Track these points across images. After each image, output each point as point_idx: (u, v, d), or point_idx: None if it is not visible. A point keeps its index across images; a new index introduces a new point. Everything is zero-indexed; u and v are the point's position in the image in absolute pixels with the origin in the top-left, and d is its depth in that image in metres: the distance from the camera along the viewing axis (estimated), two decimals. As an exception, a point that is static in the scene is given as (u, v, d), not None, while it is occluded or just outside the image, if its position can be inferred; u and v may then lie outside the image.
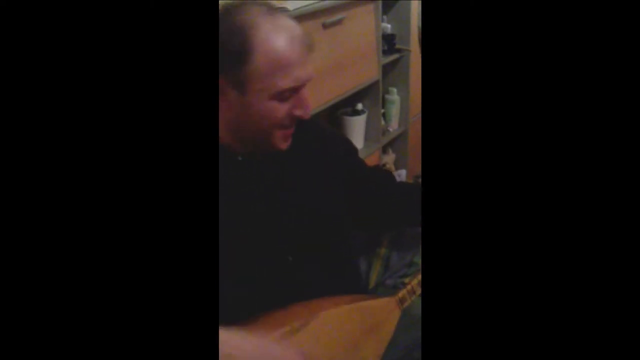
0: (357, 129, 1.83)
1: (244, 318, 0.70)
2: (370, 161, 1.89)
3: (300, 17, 1.49)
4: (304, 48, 0.73)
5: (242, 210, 0.74)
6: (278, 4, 1.47)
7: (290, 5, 1.48)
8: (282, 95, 0.72)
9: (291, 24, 0.73)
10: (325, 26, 1.61)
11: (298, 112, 0.75)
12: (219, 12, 0.70)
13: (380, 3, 1.81)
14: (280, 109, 0.73)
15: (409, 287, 0.74)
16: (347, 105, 1.92)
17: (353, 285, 0.86)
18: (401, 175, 1.60)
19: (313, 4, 1.54)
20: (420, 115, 2.30)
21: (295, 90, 0.73)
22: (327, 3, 1.58)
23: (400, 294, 0.73)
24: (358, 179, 0.92)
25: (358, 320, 0.68)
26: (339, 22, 1.66)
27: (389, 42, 2.02)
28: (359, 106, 1.88)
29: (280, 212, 0.78)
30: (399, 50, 2.07)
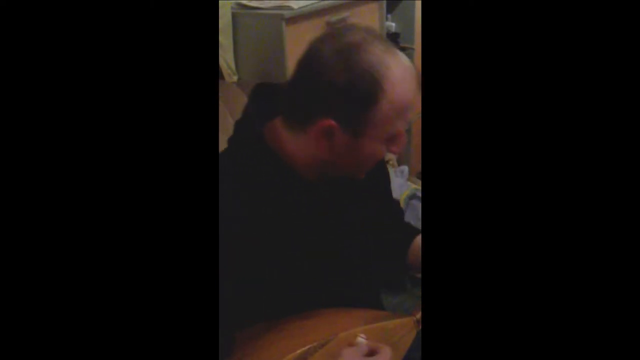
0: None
1: (268, 318, 0.70)
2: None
3: (304, 15, 1.51)
4: (419, 87, 0.66)
5: (295, 226, 0.72)
6: (283, 4, 1.49)
7: (294, 4, 1.49)
8: (393, 138, 0.69)
9: (408, 61, 0.68)
10: (329, 24, 1.62)
11: (395, 150, 0.71)
12: (336, 46, 0.65)
13: (384, 2, 1.83)
14: (384, 150, 0.70)
15: None
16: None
17: (369, 297, 0.87)
18: (403, 171, 1.62)
19: (317, 2, 1.55)
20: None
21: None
22: (331, 2, 1.59)
23: (418, 315, 0.72)
24: (380, 207, 0.90)
25: (376, 341, 0.68)
26: (343, 21, 1.68)
27: (393, 41, 2.04)
28: (363, 103, 1.89)
29: (325, 229, 0.77)
30: (403, 49, 2.08)
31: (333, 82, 0.64)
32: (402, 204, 1.39)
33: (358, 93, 0.64)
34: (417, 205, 1.39)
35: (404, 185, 1.47)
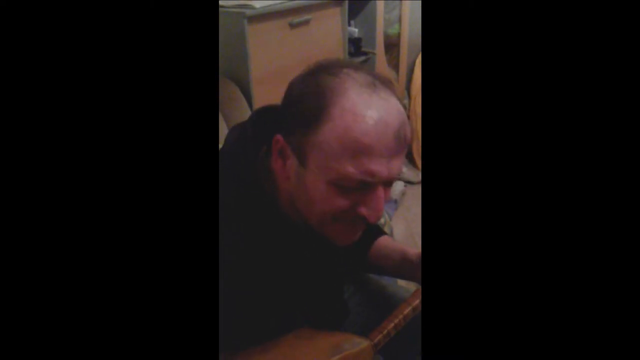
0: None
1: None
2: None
3: (266, 15, 1.59)
4: (395, 141, 0.57)
5: (260, 234, 0.67)
6: (245, 3, 1.57)
7: (257, 4, 1.57)
8: (345, 185, 0.58)
9: (394, 106, 0.58)
10: (291, 26, 1.70)
11: (363, 212, 0.60)
12: (318, 63, 0.61)
13: (346, 6, 1.91)
14: (338, 201, 0.60)
15: (385, 331, 0.73)
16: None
17: (332, 293, 0.88)
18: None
19: (279, 3, 1.63)
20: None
21: (366, 185, 0.59)
22: (293, 3, 1.67)
23: (377, 339, 0.72)
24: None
25: None
26: (305, 23, 1.76)
27: (355, 45, 2.13)
28: (326, 104, 1.97)
29: (299, 244, 0.73)
30: (365, 53, 2.17)
31: (292, 99, 0.61)
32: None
33: (304, 110, 0.58)
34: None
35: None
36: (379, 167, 0.57)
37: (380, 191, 0.60)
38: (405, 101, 2.67)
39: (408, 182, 2.44)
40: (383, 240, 0.91)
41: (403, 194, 2.32)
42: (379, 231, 0.94)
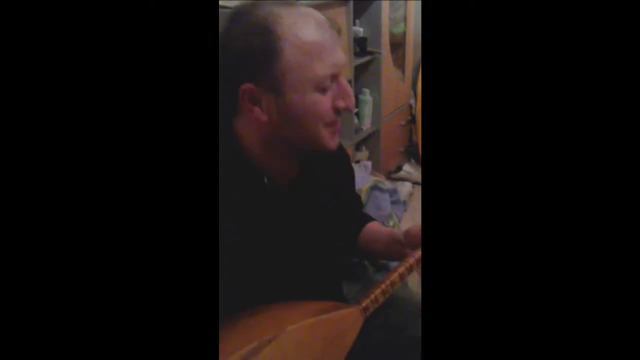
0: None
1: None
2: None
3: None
4: (333, 32, 0.68)
5: (255, 226, 0.72)
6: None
7: (262, 4, 1.55)
8: (323, 85, 0.66)
9: (313, 10, 0.69)
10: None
11: (341, 104, 0.69)
12: (232, 15, 0.68)
13: (351, 5, 1.90)
14: (324, 102, 0.67)
15: (372, 296, 0.74)
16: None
17: (330, 287, 0.89)
18: (367, 166, 1.69)
19: (284, 3, 1.61)
20: (391, 116, 2.38)
21: (334, 78, 0.68)
22: (298, 3, 1.65)
23: (364, 303, 0.73)
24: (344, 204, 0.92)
25: (323, 333, 0.69)
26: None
27: (361, 45, 2.11)
28: (332, 104, 1.95)
29: (292, 233, 0.77)
30: (371, 53, 2.15)
31: (235, 49, 0.65)
32: (364, 195, 1.45)
33: (258, 49, 0.64)
34: (378, 195, 1.45)
35: (366, 177, 1.53)
36: (337, 56, 0.67)
37: (343, 78, 0.69)
38: (412, 101, 2.64)
39: (415, 183, 2.42)
40: (371, 226, 0.94)
41: (411, 194, 2.30)
42: (367, 218, 0.97)
